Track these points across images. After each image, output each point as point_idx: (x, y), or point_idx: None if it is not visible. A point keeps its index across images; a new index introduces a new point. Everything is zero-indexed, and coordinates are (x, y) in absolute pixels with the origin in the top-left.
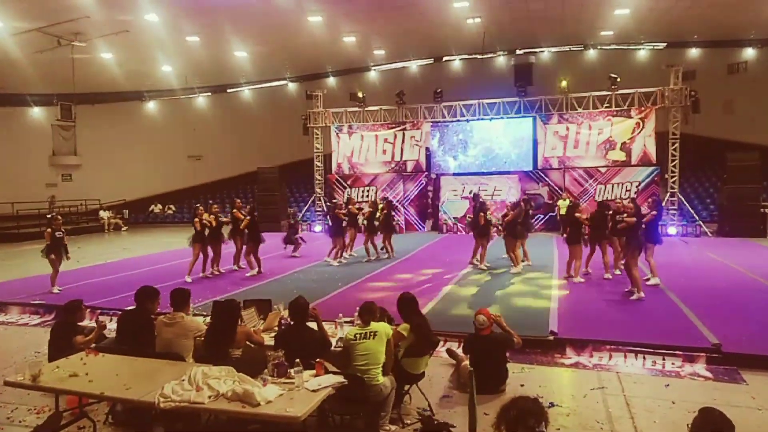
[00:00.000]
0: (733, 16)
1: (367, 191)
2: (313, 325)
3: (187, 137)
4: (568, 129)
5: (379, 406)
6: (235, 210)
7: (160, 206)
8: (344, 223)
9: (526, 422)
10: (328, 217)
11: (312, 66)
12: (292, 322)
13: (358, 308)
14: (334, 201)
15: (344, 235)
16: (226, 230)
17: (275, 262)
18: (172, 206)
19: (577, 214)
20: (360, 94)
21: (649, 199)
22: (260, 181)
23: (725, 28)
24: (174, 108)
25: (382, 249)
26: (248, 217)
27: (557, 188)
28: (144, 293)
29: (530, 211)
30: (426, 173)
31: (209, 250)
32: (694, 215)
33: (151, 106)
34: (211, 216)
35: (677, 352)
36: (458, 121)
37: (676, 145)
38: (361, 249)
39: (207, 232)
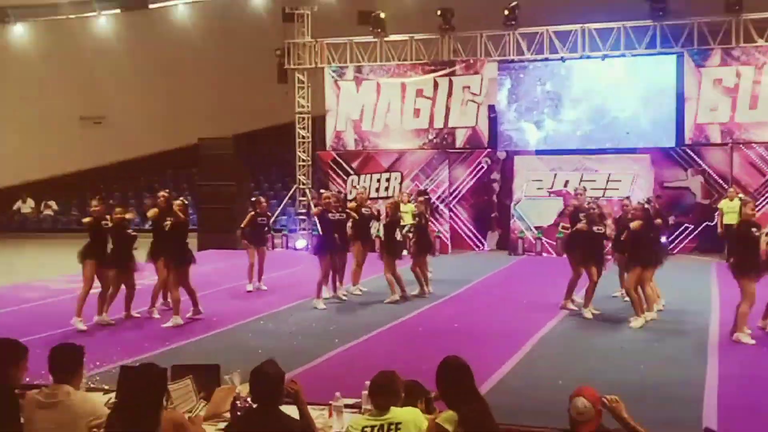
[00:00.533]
0: None
1: (387, 181)
2: (290, 410)
3: (81, 87)
4: (739, 76)
5: None
6: (177, 205)
7: (32, 203)
8: (342, 230)
9: None
10: (316, 221)
11: None
12: (254, 405)
13: (368, 383)
14: (321, 193)
15: (338, 254)
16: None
17: (226, 300)
18: (52, 203)
19: (753, 229)
20: (378, 14)
21: None
22: (203, 161)
23: None
24: (58, 35)
25: (417, 288)
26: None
27: (719, 179)
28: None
29: (666, 220)
30: (489, 151)
31: (113, 277)
32: None
33: (18, 31)
34: (124, 213)
35: None
36: (546, 60)
37: None
38: (375, 281)
39: (110, 243)
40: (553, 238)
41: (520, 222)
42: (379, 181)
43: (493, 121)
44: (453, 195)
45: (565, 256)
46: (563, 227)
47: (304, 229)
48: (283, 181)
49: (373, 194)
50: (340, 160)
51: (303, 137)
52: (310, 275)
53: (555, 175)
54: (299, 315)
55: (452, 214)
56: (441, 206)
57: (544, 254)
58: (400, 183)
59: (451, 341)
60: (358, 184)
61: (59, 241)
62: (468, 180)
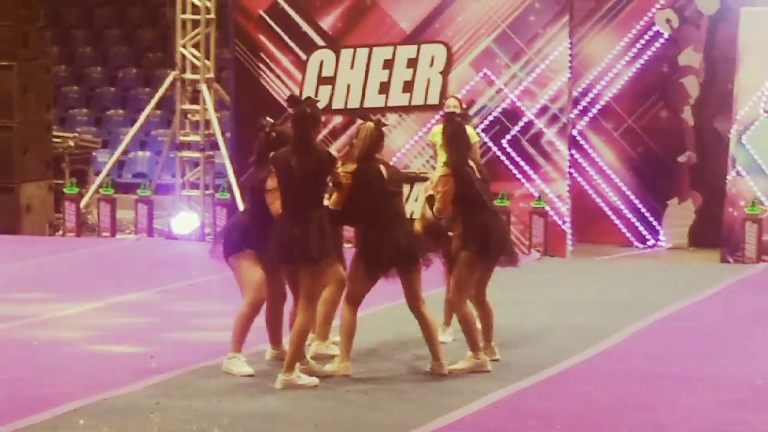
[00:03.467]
0: None
1: (411, 67)
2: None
3: None
4: None
5: None
6: None
7: None
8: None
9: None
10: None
11: None
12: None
13: None
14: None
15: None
16: None
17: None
18: None
19: None
20: None
21: None
22: None
23: None
24: None
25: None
26: None
27: None
28: None
29: None
30: None
31: None
32: None
33: None
34: None
35: None
36: None
37: None
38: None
39: None
40: None
41: (752, 178)
42: (390, 64)
43: None
44: (579, 104)
45: None
46: None
47: (196, 188)
48: (141, 61)
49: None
50: (290, 10)
51: None
52: (223, 306)
53: None
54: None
55: (578, 153)
56: (548, 133)
57: None
58: (445, 69)
59: None
60: (335, 72)
61: None
62: (619, 66)
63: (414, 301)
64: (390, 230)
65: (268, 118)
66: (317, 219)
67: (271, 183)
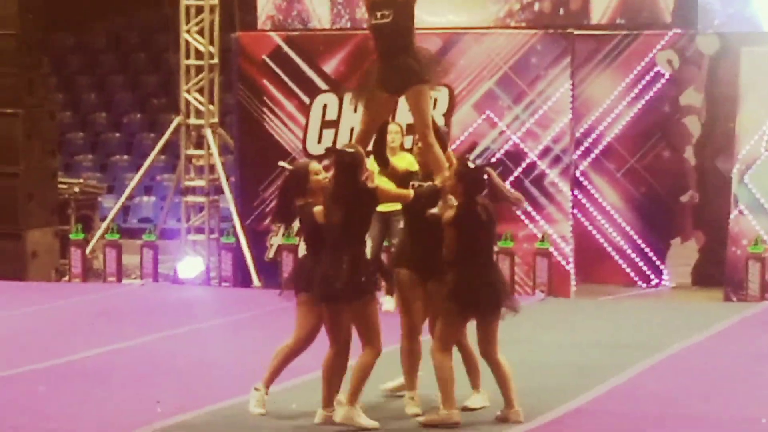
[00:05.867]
0: None
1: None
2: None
3: None
4: None
5: None
6: None
7: None
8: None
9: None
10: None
11: None
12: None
13: None
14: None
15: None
16: None
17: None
18: None
19: None
20: None
21: None
22: None
23: None
24: None
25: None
26: None
27: None
28: None
29: None
30: (674, 35)
31: None
32: None
33: None
34: None
35: None
36: None
37: None
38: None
39: None
40: None
41: (755, 217)
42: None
43: None
44: (582, 145)
45: None
46: None
47: (200, 232)
48: (146, 106)
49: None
50: (293, 54)
51: None
52: (230, 349)
53: None
54: None
55: (581, 193)
56: (551, 174)
57: None
58: (447, 112)
59: None
60: (338, 116)
61: None
62: (620, 107)
63: (490, 347)
64: (488, 270)
65: (282, 163)
66: (355, 255)
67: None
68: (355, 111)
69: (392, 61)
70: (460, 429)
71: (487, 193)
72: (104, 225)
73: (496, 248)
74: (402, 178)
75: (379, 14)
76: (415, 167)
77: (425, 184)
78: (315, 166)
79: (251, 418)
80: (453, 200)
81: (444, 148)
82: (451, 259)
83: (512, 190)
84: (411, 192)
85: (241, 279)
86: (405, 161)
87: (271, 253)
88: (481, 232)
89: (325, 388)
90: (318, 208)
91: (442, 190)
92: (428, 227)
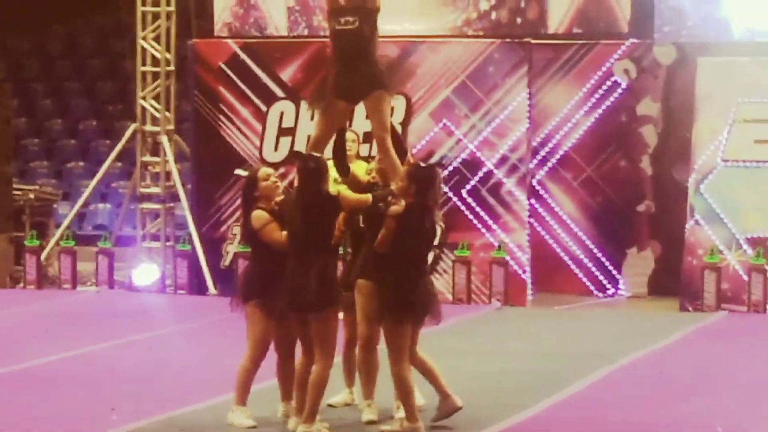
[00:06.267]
0: None
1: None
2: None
3: None
4: None
5: None
6: None
7: None
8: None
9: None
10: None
11: None
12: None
13: None
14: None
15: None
16: None
17: None
18: None
19: None
20: None
21: None
22: None
23: None
24: None
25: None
26: None
27: None
28: None
29: None
30: (632, 45)
31: None
32: None
33: None
34: None
35: None
36: None
37: None
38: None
39: None
40: None
41: (711, 227)
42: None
43: None
44: (539, 154)
45: None
46: None
47: (156, 240)
48: (102, 113)
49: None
50: (250, 62)
51: (151, 1)
52: (186, 357)
53: None
54: None
55: (537, 203)
56: (508, 183)
57: None
58: (404, 121)
59: None
60: (295, 123)
61: None
62: (577, 116)
63: (412, 350)
64: (424, 276)
65: (239, 171)
66: (323, 265)
67: (257, 221)
68: (312, 119)
69: (353, 69)
70: None
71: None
72: (59, 232)
73: (451, 256)
74: (364, 188)
75: (343, 20)
76: (372, 174)
77: (381, 190)
78: (264, 171)
79: (206, 426)
80: (398, 204)
81: (403, 155)
82: (382, 251)
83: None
84: (369, 197)
85: (197, 286)
86: (361, 169)
87: (227, 261)
88: (422, 235)
89: (311, 401)
90: (257, 213)
91: (394, 193)
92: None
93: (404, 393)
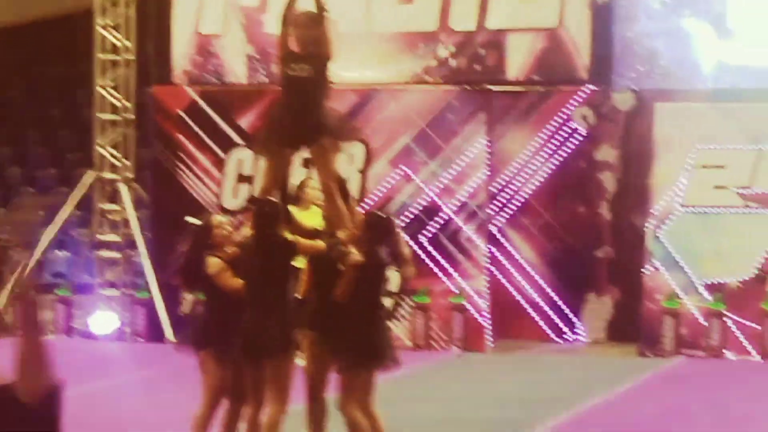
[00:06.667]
0: None
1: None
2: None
3: None
4: None
5: None
6: None
7: None
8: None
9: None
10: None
11: None
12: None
13: None
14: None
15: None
16: None
17: None
18: None
19: None
20: None
21: None
22: None
23: None
24: None
25: None
26: None
27: None
28: None
29: None
30: (592, 92)
31: None
32: None
33: None
34: None
35: None
36: None
37: None
38: None
39: None
40: (755, 314)
41: (669, 272)
42: (310, 162)
43: (601, 19)
44: (498, 201)
45: None
46: None
47: (114, 287)
48: (61, 161)
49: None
50: (209, 109)
51: (110, 48)
52: (143, 406)
53: (761, 150)
54: None
55: (497, 249)
56: (467, 230)
57: (731, 353)
58: (363, 167)
59: None
60: (254, 170)
61: None
62: (536, 163)
63: (371, 398)
64: (382, 321)
65: (189, 219)
66: (282, 310)
67: (212, 268)
68: (258, 165)
69: (302, 117)
70: None
71: (387, 247)
72: (13, 279)
73: (411, 303)
74: (309, 235)
75: (296, 67)
76: (321, 224)
77: (330, 239)
78: (217, 219)
79: None
80: (356, 253)
81: (349, 203)
82: (344, 301)
83: (408, 258)
84: (323, 244)
85: (155, 334)
86: (317, 216)
87: (185, 308)
88: (381, 282)
89: None
90: (211, 261)
91: (345, 242)
92: (334, 285)
93: None
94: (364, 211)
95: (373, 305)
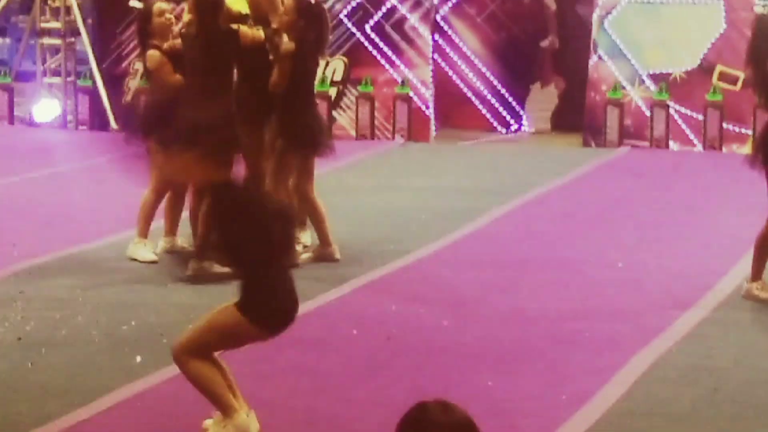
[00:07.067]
0: None
1: None
2: None
3: None
4: None
5: None
6: None
7: None
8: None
9: None
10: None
11: None
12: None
13: None
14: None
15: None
16: None
17: None
18: None
19: None
20: None
21: None
22: None
23: None
24: None
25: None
26: None
27: None
28: None
29: None
30: None
31: None
32: None
33: None
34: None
35: None
36: None
37: None
38: None
39: None
40: (698, 105)
41: (614, 63)
42: None
43: None
44: None
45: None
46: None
47: (58, 75)
48: None
49: None
50: None
51: None
52: (87, 194)
53: None
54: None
55: (442, 39)
56: (412, 19)
57: (676, 144)
58: None
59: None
60: None
61: None
62: None
63: (307, 185)
64: (314, 107)
65: (133, 3)
66: (225, 102)
67: (151, 62)
68: None
69: None
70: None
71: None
72: None
73: (355, 92)
74: (236, 20)
75: None
76: (246, 9)
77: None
78: (158, 7)
79: (108, 260)
80: (287, 41)
81: None
82: (280, 91)
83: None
84: (263, 34)
85: (98, 122)
86: (239, 3)
87: (128, 96)
88: (313, 69)
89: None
90: (151, 54)
91: (278, 31)
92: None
93: (318, 220)
94: None
95: (305, 92)
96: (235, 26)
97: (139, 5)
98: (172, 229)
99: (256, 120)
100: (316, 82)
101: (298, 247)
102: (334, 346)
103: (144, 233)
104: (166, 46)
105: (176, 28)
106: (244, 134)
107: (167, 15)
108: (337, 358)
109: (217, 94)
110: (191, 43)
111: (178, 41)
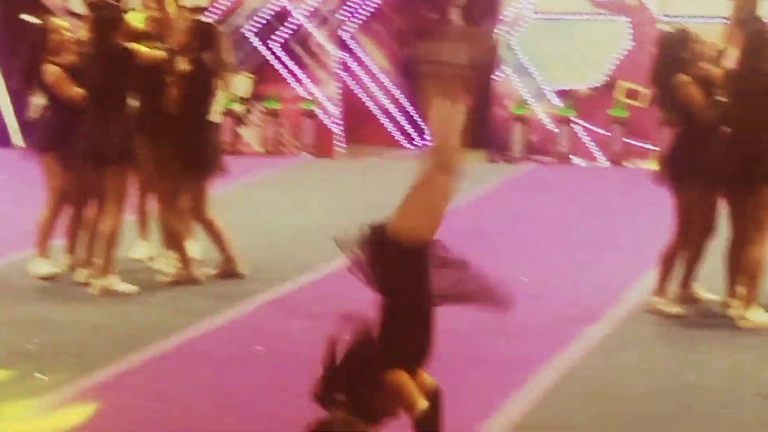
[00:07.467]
0: None
1: None
2: None
3: None
4: None
5: None
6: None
7: None
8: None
9: None
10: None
11: None
12: None
13: None
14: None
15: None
16: None
17: None
18: None
19: None
20: None
21: None
22: None
23: None
24: None
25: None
26: None
27: None
28: None
29: None
30: None
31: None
32: None
33: None
34: None
35: None
36: None
37: None
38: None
39: None
40: (603, 121)
41: (520, 79)
42: None
43: None
44: (349, 7)
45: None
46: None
47: None
48: None
49: None
50: None
51: None
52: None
53: None
54: None
55: (348, 55)
56: (318, 35)
57: (579, 160)
58: None
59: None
60: None
61: None
62: None
63: (201, 208)
64: (210, 129)
65: (25, 16)
66: (122, 119)
67: (50, 76)
68: None
69: None
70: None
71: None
72: None
73: (262, 108)
74: (136, 39)
75: None
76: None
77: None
78: (55, 22)
79: (9, 279)
80: (182, 61)
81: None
82: (174, 113)
83: (232, 66)
84: (163, 53)
85: (2, 139)
86: (139, 19)
87: (32, 112)
88: (208, 90)
89: (106, 253)
90: (49, 68)
91: (173, 51)
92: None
93: (177, 238)
94: (190, 19)
95: (200, 114)
96: (133, 44)
97: (33, 19)
98: (73, 246)
99: (152, 138)
100: (223, 99)
101: (198, 263)
102: (238, 362)
103: (42, 252)
104: (64, 61)
105: (74, 46)
106: (141, 152)
107: (63, 31)
108: (240, 374)
109: (116, 112)
110: (90, 60)
111: (75, 57)
